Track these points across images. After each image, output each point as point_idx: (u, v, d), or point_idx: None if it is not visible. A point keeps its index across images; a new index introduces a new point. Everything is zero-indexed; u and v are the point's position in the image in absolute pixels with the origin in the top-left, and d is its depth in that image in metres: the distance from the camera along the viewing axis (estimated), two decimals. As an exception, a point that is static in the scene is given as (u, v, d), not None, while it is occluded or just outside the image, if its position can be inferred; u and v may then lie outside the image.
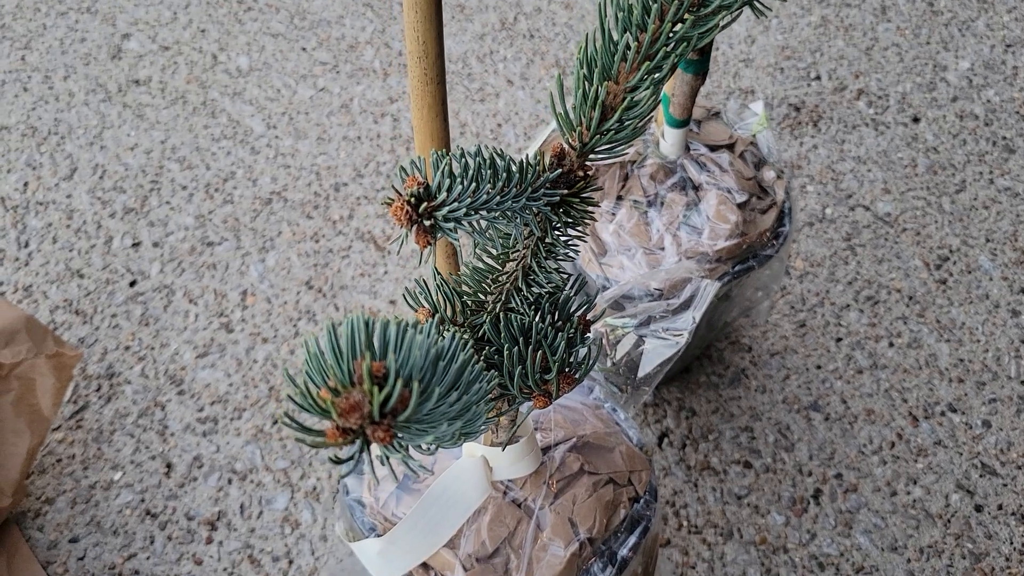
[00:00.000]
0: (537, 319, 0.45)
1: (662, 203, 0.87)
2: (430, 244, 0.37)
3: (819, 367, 1.09)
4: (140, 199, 1.21)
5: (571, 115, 0.41)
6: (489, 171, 0.37)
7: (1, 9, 1.39)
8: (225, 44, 1.37)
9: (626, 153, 0.40)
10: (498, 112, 1.31)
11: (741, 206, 0.87)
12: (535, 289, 0.44)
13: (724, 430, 1.03)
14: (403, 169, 0.37)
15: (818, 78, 1.36)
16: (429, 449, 0.33)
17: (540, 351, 0.45)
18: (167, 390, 1.06)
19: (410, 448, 0.31)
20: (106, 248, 1.17)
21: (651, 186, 0.87)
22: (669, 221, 0.85)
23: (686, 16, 0.36)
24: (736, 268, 0.86)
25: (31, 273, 1.14)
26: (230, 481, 0.99)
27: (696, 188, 0.87)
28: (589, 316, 0.46)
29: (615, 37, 0.39)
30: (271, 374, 1.07)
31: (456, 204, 0.35)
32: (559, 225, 0.41)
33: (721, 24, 0.37)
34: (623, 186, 0.88)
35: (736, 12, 0.38)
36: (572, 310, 0.46)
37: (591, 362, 0.46)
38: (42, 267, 1.15)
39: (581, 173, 0.42)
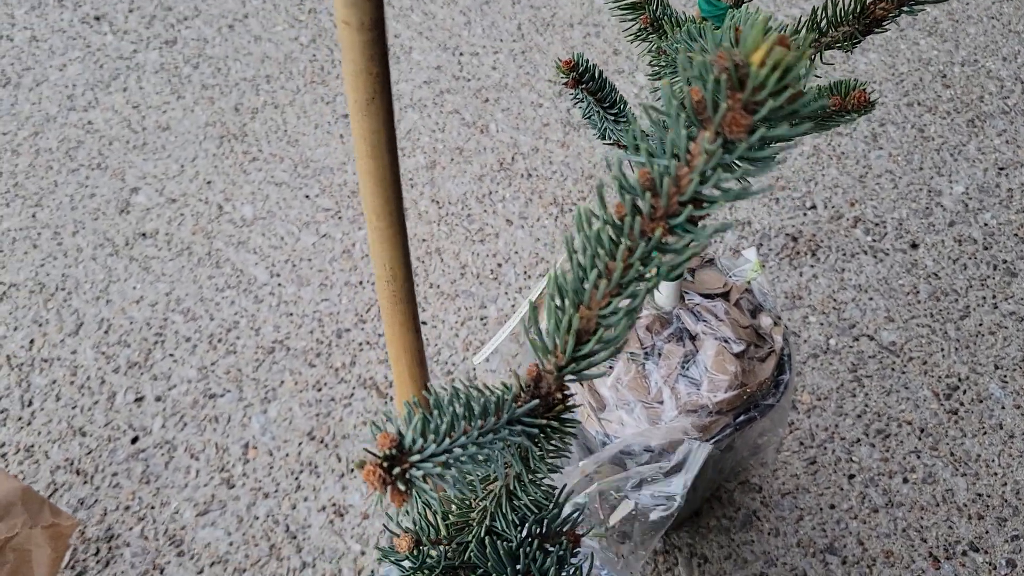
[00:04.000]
0: (525, 537, 0.44)
1: (659, 354, 0.86)
2: (406, 502, 0.36)
3: (833, 506, 1.06)
4: (144, 353, 1.21)
5: (545, 339, 0.40)
6: (464, 415, 0.37)
7: (15, 169, 1.43)
8: (230, 194, 1.40)
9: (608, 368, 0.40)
10: (498, 252, 1.32)
11: (739, 355, 0.86)
12: (519, 510, 0.43)
13: (738, 578, 1.00)
14: (375, 426, 0.36)
15: (814, 207, 1.37)
16: None
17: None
18: (166, 551, 1.04)
19: None
20: (109, 404, 1.17)
21: (648, 337, 0.87)
22: (667, 373, 0.85)
23: (653, 255, 0.36)
24: (738, 420, 0.85)
25: (33, 433, 1.14)
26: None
27: (693, 338, 0.87)
28: (579, 530, 0.45)
29: (583, 265, 0.39)
30: (272, 531, 1.05)
31: (431, 461, 0.35)
32: (539, 453, 0.41)
33: (694, 253, 0.37)
34: (620, 339, 0.88)
35: (712, 236, 0.38)
36: (559, 526, 0.45)
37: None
38: (44, 426, 1.15)
39: (560, 395, 0.42)
